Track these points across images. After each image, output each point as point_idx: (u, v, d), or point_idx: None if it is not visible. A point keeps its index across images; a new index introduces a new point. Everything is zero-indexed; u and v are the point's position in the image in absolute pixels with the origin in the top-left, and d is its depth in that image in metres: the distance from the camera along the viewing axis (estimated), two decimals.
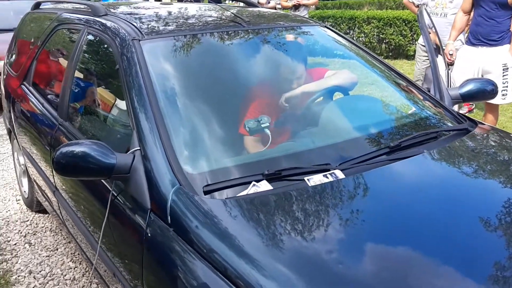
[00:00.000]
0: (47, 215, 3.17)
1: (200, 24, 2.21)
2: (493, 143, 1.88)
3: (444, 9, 4.32)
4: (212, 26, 2.17)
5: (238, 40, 2.15)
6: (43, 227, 3.04)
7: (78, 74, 2.29)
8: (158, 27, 2.08)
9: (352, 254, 1.24)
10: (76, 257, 2.69)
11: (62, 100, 2.32)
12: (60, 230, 2.99)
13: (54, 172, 2.27)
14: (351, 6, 18.11)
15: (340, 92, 2.28)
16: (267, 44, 2.23)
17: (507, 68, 3.51)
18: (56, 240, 2.88)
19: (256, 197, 1.42)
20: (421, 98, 2.18)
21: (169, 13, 2.40)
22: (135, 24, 2.06)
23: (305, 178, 1.51)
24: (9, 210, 3.27)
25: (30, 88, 2.87)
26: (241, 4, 3.77)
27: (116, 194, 1.67)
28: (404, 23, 8.88)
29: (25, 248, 2.80)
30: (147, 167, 1.54)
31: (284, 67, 2.21)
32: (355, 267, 1.20)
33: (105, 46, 2.14)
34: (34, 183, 2.91)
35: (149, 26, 2.07)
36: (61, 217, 2.39)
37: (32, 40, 3.14)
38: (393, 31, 8.97)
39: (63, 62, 2.54)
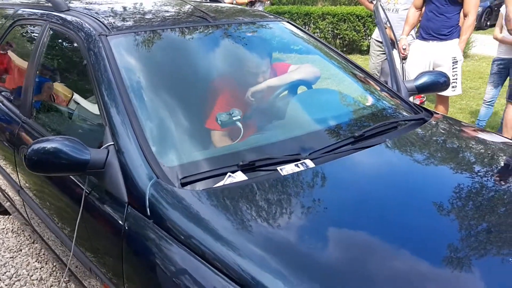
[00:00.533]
0: (7, 216, 3.09)
1: (166, 18, 2.22)
2: (447, 132, 2.01)
3: (395, 5, 4.50)
4: (179, 20, 2.19)
5: (205, 35, 2.18)
6: (3, 228, 2.96)
7: (41, 70, 2.25)
8: (124, 22, 2.08)
9: (320, 236, 1.32)
10: (41, 257, 2.64)
11: (25, 98, 2.27)
12: (23, 230, 2.92)
13: (19, 171, 2.22)
14: (305, 1, 18.37)
15: (304, 86, 2.36)
16: (233, 39, 2.27)
17: (456, 61, 3.71)
18: (19, 241, 2.81)
19: (233, 187, 1.47)
20: (380, 90, 2.30)
21: (134, 8, 2.39)
22: (100, 19, 2.05)
23: (278, 168, 1.57)
24: None
25: None
26: None
27: (89, 190, 1.67)
28: (357, 19, 9.14)
29: None
30: (122, 162, 1.55)
31: (249, 62, 2.26)
32: (323, 248, 1.27)
33: (70, 42, 2.12)
34: None
35: (115, 21, 2.07)
36: (26, 216, 2.35)
37: None
38: (347, 26, 9.21)
39: (23, 59, 2.48)
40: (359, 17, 9.12)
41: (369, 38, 9.31)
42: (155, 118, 1.74)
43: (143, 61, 1.96)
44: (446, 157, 1.79)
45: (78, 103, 2.03)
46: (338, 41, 9.55)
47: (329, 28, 9.42)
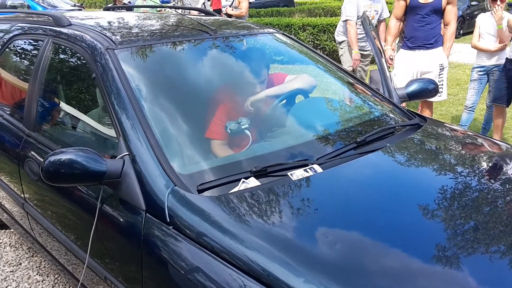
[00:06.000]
0: (4, 230, 3.07)
1: (169, 32, 2.28)
2: (442, 135, 2.11)
3: (373, 20, 4.70)
4: (181, 34, 2.25)
5: (207, 47, 2.25)
6: (1, 242, 2.94)
7: (45, 84, 2.27)
8: (129, 36, 2.13)
9: (326, 234, 1.39)
10: (42, 270, 2.64)
11: (28, 111, 2.29)
12: (21, 244, 2.91)
13: (23, 184, 2.23)
14: (282, 13, 18.65)
15: (302, 95, 2.44)
16: (232, 51, 2.35)
17: (443, 68, 3.88)
18: (17, 255, 2.80)
19: (247, 193, 1.53)
20: (375, 98, 2.40)
21: (136, 22, 2.45)
22: (105, 34, 2.10)
23: (289, 173, 1.64)
24: None
25: None
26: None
27: (103, 200, 1.70)
28: None
29: None
30: (138, 171, 1.60)
31: (248, 73, 2.34)
32: (327, 244, 1.34)
33: (75, 56, 2.15)
34: None
35: (120, 35, 2.12)
36: (29, 229, 2.35)
37: None
38: (327, 37, 9.39)
39: (24, 73, 2.50)
40: None
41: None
42: (167, 127, 1.79)
43: (151, 73, 2.01)
44: (444, 159, 1.89)
45: (90, 115, 2.06)
46: (318, 51, 9.73)
47: (310, 39, 9.60)
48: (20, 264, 2.71)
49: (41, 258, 2.75)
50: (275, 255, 1.29)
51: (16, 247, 2.90)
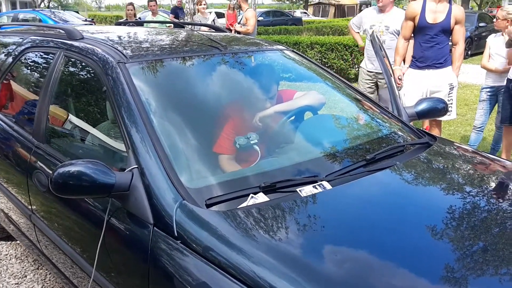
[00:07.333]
0: (10, 242, 3.06)
1: (180, 47, 2.30)
2: (452, 155, 2.10)
3: (381, 36, 4.68)
4: (192, 49, 2.27)
5: (217, 63, 2.26)
6: (7, 254, 2.94)
7: (55, 96, 2.29)
8: (140, 51, 2.15)
9: (335, 252, 1.38)
10: (47, 283, 2.62)
11: (38, 123, 2.30)
12: (26, 256, 2.90)
13: (31, 195, 2.24)
14: (290, 31, 18.84)
15: (310, 112, 2.45)
16: (242, 67, 2.36)
17: (453, 87, 3.88)
18: (23, 267, 2.79)
19: (256, 208, 1.52)
20: (384, 115, 2.39)
21: (146, 37, 2.47)
22: (117, 47, 2.12)
23: (297, 190, 1.63)
24: None
25: None
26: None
27: (111, 213, 1.70)
28: (344, 48, 9.38)
29: None
30: (147, 184, 1.59)
31: (257, 88, 2.35)
32: (335, 262, 1.33)
33: (87, 69, 2.17)
34: None
35: (132, 50, 2.14)
36: (36, 242, 2.34)
37: None
38: (335, 55, 9.44)
39: (36, 85, 2.53)
40: (346, 47, 9.37)
41: (356, 67, 9.55)
42: (176, 141, 1.80)
43: (161, 87, 2.02)
44: (453, 179, 1.87)
45: (100, 128, 2.07)
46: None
47: (317, 57, 9.65)
48: (25, 276, 2.70)
49: (46, 271, 2.74)
50: (283, 272, 1.27)
51: (21, 259, 2.89)
